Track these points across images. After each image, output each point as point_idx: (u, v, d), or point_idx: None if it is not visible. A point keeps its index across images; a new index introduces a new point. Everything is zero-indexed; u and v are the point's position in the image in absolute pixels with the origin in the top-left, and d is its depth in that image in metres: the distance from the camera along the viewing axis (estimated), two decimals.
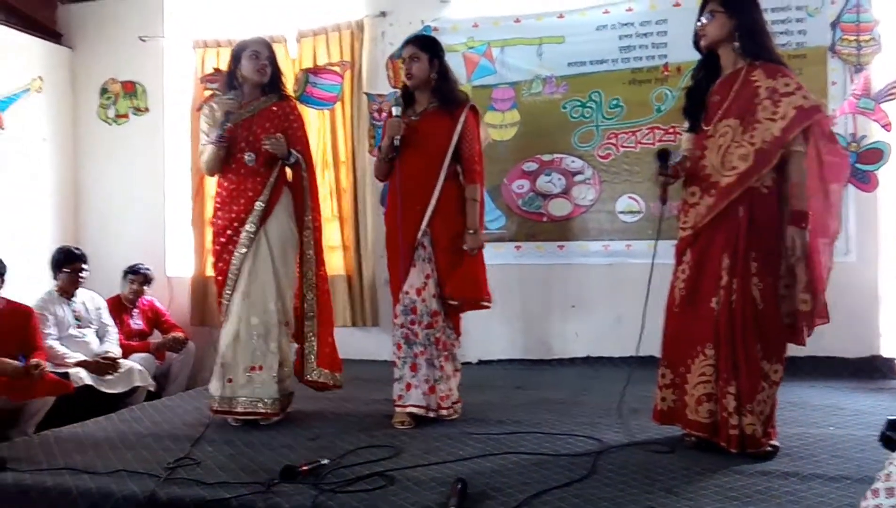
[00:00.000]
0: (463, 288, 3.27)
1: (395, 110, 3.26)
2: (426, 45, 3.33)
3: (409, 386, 3.24)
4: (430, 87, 3.30)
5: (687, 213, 2.80)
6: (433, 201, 3.24)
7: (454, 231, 3.27)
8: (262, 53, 3.35)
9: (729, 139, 2.68)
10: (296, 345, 3.49)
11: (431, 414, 3.22)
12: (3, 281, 3.92)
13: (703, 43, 2.74)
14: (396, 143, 3.22)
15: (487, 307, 3.33)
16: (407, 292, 3.27)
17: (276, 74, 3.45)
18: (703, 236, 2.74)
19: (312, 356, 3.44)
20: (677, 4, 4.41)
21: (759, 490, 2.33)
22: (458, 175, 3.33)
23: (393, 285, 3.38)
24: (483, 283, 3.30)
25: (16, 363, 3.68)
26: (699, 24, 2.74)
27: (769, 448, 2.65)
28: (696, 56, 2.87)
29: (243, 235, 3.30)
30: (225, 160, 3.35)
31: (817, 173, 2.67)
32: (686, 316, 2.76)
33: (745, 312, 2.61)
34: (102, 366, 4.17)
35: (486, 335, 4.75)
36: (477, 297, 3.29)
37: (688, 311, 2.76)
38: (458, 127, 3.26)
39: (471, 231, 3.27)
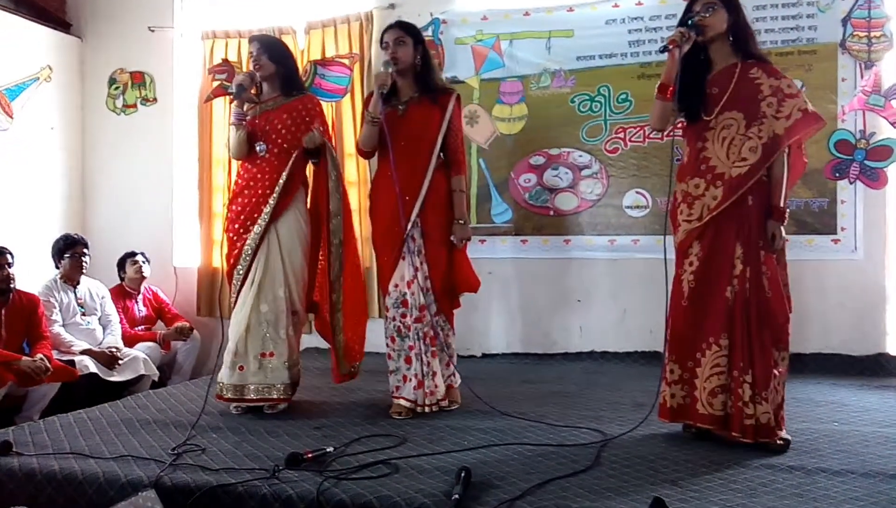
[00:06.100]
0: (468, 279, 3.31)
1: (385, 67, 3.20)
2: (410, 29, 3.29)
3: (405, 378, 3.24)
4: (413, 73, 3.27)
5: (691, 205, 2.80)
6: (422, 193, 3.21)
7: (445, 223, 3.27)
8: (254, 50, 3.37)
9: (734, 132, 2.74)
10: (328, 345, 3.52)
11: (419, 409, 3.22)
12: (11, 269, 3.94)
13: (707, 35, 2.75)
14: (384, 91, 3.17)
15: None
16: (397, 286, 3.25)
17: (289, 67, 3.46)
18: (711, 227, 2.76)
19: (342, 351, 3.44)
20: None
21: (763, 483, 2.33)
22: (444, 166, 3.30)
23: (382, 279, 3.37)
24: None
25: (26, 359, 3.72)
26: (700, 15, 2.73)
27: (781, 442, 2.66)
28: None
29: (254, 232, 3.31)
30: (248, 150, 3.37)
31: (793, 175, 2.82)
32: (696, 309, 2.77)
33: (758, 300, 2.68)
34: (108, 358, 4.19)
35: (490, 329, 4.76)
36: (477, 284, 3.35)
37: (698, 304, 2.77)
38: (447, 117, 3.24)
39: (460, 221, 3.27)
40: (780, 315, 2.70)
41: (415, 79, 3.27)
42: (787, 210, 2.74)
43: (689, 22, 2.75)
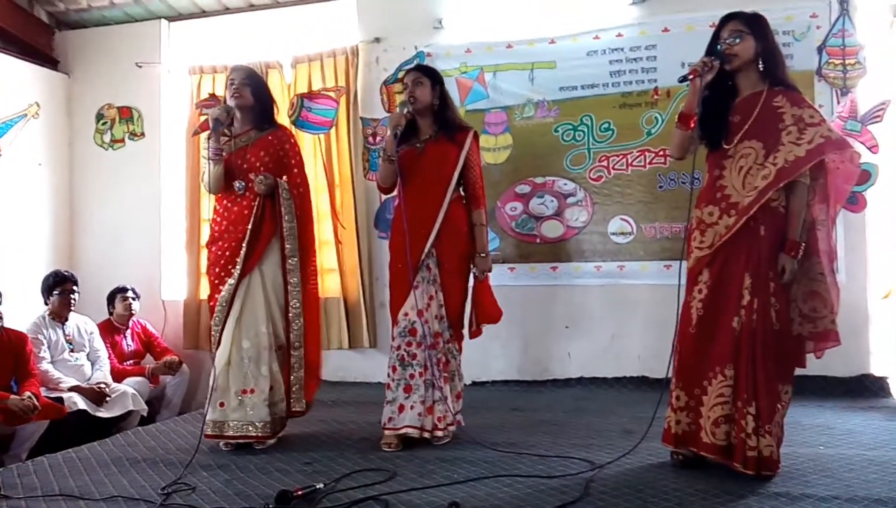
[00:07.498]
0: (491, 313, 3.40)
1: (401, 108, 3.34)
2: (428, 71, 3.45)
3: (401, 408, 3.25)
4: (431, 113, 3.38)
5: (704, 233, 2.76)
6: (438, 224, 3.30)
7: (460, 254, 3.34)
8: (236, 79, 3.39)
9: (752, 161, 2.68)
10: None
11: (426, 435, 3.23)
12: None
13: (734, 63, 2.71)
14: (398, 131, 3.28)
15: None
16: (406, 314, 3.29)
17: (266, 103, 3.49)
18: (720, 255, 2.72)
19: (299, 386, 3.43)
20: (666, 30, 4.49)
21: None
22: (462, 200, 3.40)
23: (393, 308, 3.41)
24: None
25: (14, 397, 3.69)
26: (727, 43, 2.69)
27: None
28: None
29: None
30: (224, 186, 3.39)
31: (833, 202, 2.74)
32: (703, 337, 2.74)
33: (765, 332, 2.63)
34: (97, 394, 4.18)
35: (480, 357, 4.75)
36: (498, 315, 3.44)
37: (705, 331, 2.73)
38: (464, 153, 3.34)
39: (482, 254, 3.36)
40: (786, 349, 2.66)
41: (434, 118, 3.39)
42: (803, 244, 2.66)
43: (717, 50, 2.70)
